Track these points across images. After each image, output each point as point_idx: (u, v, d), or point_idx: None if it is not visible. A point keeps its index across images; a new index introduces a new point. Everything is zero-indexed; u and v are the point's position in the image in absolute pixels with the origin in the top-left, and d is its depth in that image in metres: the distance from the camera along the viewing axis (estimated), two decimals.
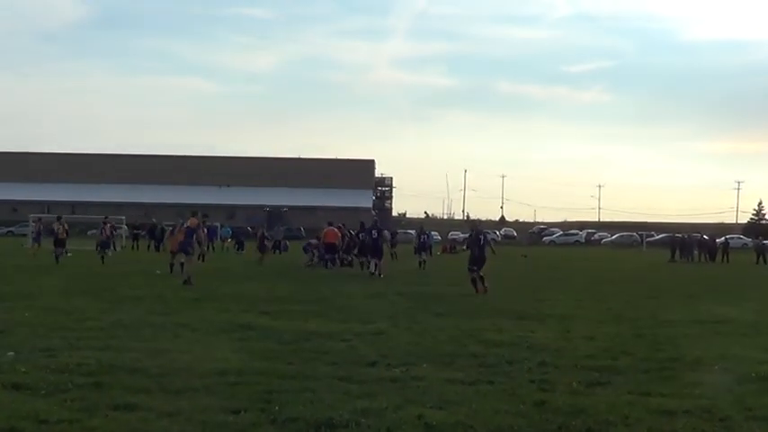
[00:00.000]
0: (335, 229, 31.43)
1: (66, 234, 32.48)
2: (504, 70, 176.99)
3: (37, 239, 37.92)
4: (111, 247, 34.56)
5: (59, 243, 31.53)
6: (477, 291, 19.25)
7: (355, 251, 30.79)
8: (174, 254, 24.58)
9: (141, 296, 16.88)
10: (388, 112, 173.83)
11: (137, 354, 9.44)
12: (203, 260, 33.06)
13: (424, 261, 32.82)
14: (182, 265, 22.19)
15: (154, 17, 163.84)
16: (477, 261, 19.78)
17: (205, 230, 38.07)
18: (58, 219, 33.51)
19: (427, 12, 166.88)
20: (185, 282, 20.25)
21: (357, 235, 30.62)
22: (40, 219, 39.88)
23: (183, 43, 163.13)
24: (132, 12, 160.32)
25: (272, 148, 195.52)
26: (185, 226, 22.09)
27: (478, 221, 23.18)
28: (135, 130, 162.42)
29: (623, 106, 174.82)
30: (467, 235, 24.75)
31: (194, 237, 22.15)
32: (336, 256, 31.08)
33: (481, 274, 19.59)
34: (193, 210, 23.56)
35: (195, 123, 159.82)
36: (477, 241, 20.19)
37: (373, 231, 27.53)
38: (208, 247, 41.62)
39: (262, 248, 34.64)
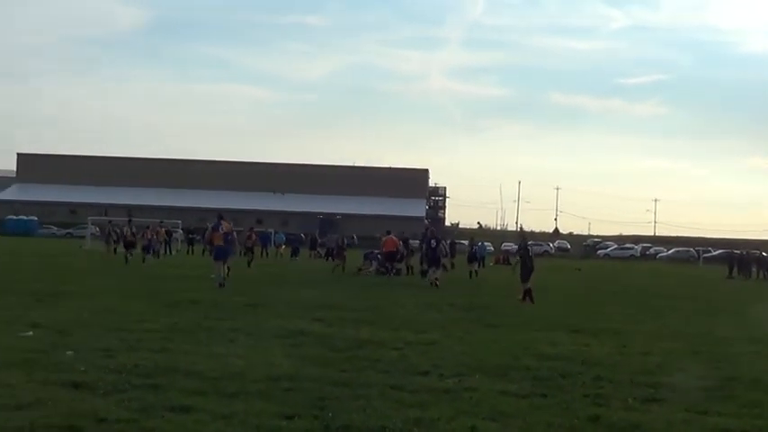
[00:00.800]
0: (395, 238, 31.67)
1: (134, 236, 34.13)
2: (559, 82, 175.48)
3: (107, 241, 39.57)
4: (151, 252, 35.92)
5: (129, 244, 33.30)
6: (532, 301, 19.47)
7: (409, 260, 30.95)
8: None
9: (197, 300, 17.09)
10: (442, 122, 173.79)
11: (192, 357, 9.58)
12: (250, 264, 33.45)
13: (476, 272, 32.82)
14: (228, 269, 22.61)
15: (210, 25, 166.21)
16: (530, 271, 20.16)
17: (255, 235, 38.86)
18: (129, 222, 35.52)
19: (481, 22, 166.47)
20: (221, 283, 20.82)
21: (420, 244, 30.92)
22: (110, 221, 41.51)
23: (238, 51, 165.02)
24: (188, 20, 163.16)
25: (326, 156, 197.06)
26: (222, 231, 22.23)
27: (526, 232, 23.61)
28: (191, 135, 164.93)
29: (680, 119, 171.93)
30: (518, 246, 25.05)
31: (229, 239, 22.70)
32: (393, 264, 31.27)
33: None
34: (219, 213, 23.96)
35: (250, 130, 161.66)
36: (528, 251, 20.77)
37: (432, 241, 27.65)
38: (261, 253, 42.12)
39: (340, 256, 34.88)
